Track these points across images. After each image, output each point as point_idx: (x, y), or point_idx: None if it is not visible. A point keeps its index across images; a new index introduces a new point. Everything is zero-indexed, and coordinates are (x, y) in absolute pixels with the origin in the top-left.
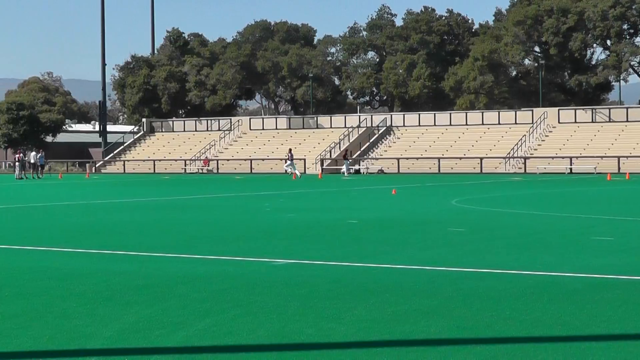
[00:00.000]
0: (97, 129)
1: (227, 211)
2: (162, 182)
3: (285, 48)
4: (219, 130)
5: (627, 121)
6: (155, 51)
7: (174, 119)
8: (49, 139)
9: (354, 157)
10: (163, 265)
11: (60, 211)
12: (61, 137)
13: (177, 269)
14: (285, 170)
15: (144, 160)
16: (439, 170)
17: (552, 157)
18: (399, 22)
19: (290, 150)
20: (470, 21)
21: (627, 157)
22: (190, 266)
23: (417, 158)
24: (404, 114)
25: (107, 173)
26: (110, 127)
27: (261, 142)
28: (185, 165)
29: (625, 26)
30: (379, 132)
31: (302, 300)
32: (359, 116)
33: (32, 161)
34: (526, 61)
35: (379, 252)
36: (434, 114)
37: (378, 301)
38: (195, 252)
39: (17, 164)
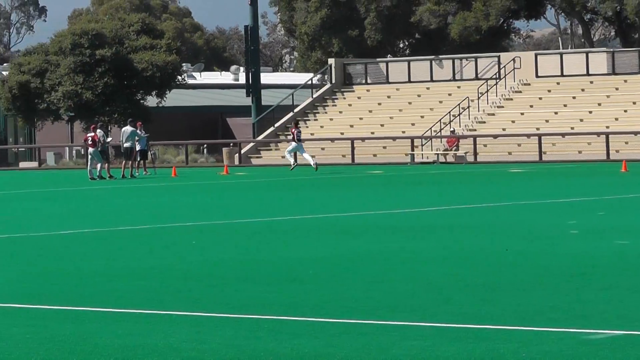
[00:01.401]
0: (241, 80)
1: (495, 236)
2: (373, 182)
3: None
4: (476, 79)
5: None
6: None
7: (388, 58)
8: (151, 101)
9: None
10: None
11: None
12: (173, 98)
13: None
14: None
15: (331, 141)
16: None
17: None
18: None
19: (297, 124)
20: None
21: None
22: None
23: None
24: None
25: (261, 165)
26: (266, 77)
27: (559, 102)
28: (412, 149)
29: None
30: None
31: None
32: None
33: (125, 144)
34: None
35: None
36: None
37: None
38: (425, 315)
39: (90, 151)
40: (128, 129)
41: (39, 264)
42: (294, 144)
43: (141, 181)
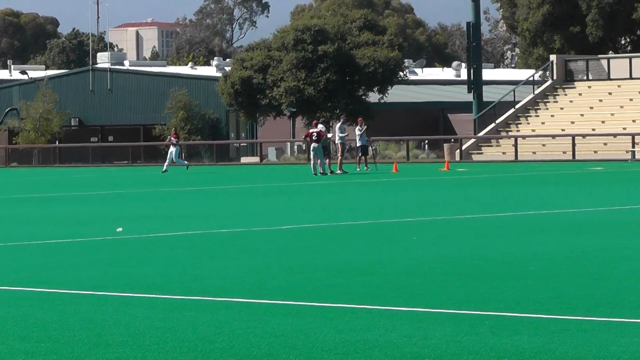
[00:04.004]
0: (463, 76)
1: None
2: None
3: None
4: None
5: None
6: None
7: (609, 55)
8: (372, 97)
9: None
10: None
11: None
12: (395, 94)
13: None
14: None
15: (552, 137)
16: None
17: None
18: None
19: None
20: None
21: None
22: None
23: None
24: None
25: (483, 161)
26: (488, 73)
27: None
28: (632, 146)
29: None
30: None
31: None
32: None
33: (359, 143)
34: None
35: None
36: None
37: None
38: None
39: (313, 146)
40: (340, 125)
41: (260, 259)
42: (172, 148)
43: (362, 176)
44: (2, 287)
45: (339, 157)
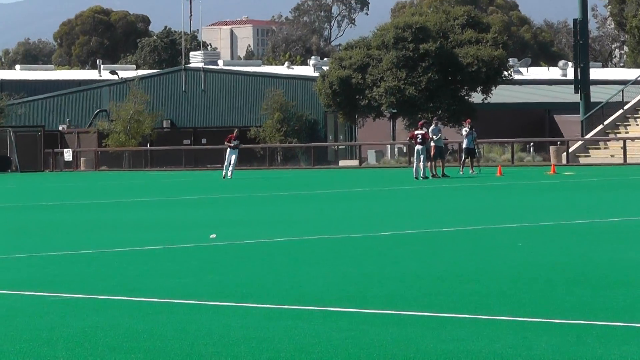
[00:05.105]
0: (569, 76)
1: None
2: None
3: None
4: None
5: None
6: None
7: None
8: (476, 97)
9: None
10: None
11: None
12: (499, 94)
13: None
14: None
15: None
16: None
17: None
18: None
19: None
20: None
21: None
22: None
23: None
24: None
25: (590, 164)
26: (595, 72)
27: None
28: None
29: None
30: None
31: None
32: None
33: (465, 144)
34: None
35: None
36: None
37: None
38: None
39: (418, 149)
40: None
41: (359, 266)
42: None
43: (466, 180)
44: (92, 295)
45: (431, 162)
